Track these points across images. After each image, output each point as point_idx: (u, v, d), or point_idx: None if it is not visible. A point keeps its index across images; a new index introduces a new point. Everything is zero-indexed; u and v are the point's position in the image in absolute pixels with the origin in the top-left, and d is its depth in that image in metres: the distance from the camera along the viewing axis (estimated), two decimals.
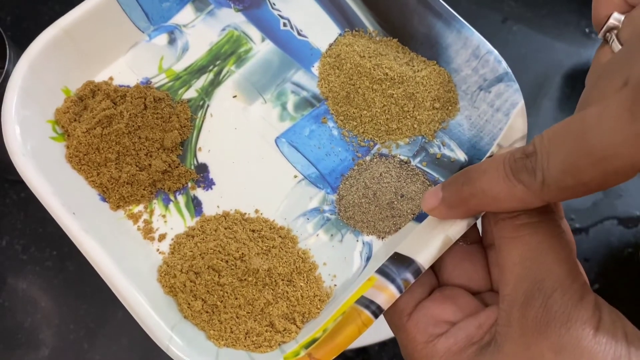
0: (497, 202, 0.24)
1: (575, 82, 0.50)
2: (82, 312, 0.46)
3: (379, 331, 0.43)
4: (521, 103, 0.31)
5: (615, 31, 0.26)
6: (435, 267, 0.30)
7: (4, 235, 0.47)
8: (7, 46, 0.40)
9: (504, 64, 0.31)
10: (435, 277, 0.30)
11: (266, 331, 0.29)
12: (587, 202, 0.47)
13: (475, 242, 0.31)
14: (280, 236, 0.31)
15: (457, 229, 0.28)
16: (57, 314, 0.45)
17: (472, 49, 0.32)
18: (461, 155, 0.33)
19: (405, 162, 0.33)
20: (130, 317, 0.40)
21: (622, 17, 0.26)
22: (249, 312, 0.29)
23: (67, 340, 0.45)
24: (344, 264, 0.31)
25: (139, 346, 0.45)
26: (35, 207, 0.48)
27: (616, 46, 0.25)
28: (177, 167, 0.32)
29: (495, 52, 0.32)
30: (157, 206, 0.32)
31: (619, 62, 0.21)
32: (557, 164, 0.20)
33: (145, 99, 0.33)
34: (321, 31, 0.35)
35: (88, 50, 0.33)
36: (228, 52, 0.35)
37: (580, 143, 0.20)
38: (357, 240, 0.31)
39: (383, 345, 0.45)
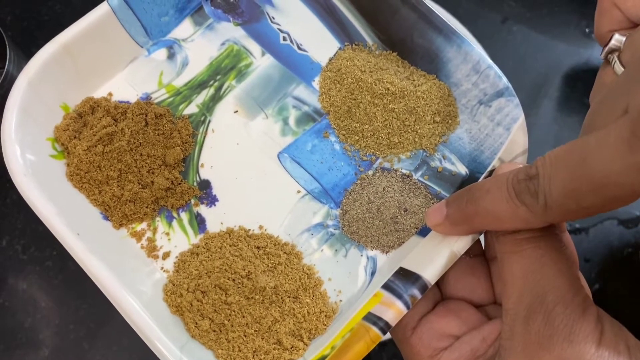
0: (500, 221, 0.24)
1: (575, 82, 0.51)
2: (82, 312, 0.45)
3: None
4: (522, 118, 0.31)
5: (617, 53, 0.26)
6: (438, 281, 0.30)
7: (4, 235, 0.47)
8: (7, 46, 0.39)
9: (504, 79, 0.32)
10: (438, 291, 0.30)
11: (274, 349, 0.29)
12: None
13: (478, 255, 0.31)
14: (285, 252, 0.31)
15: (462, 244, 0.28)
16: (57, 314, 0.45)
17: (472, 63, 0.32)
18: (462, 169, 0.33)
19: (408, 176, 0.33)
20: None
21: (623, 39, 0.26)
22: (256, 330, 0.29)
23: (67, 340, 0.45)
24: (349, 279, 0.31)
25: (139, 346, 0.45)
26: None
27: (618, 68, 0.26)
28: (179, 183, 0.32)
29: (496, 67, 0.32)
30: (161, 224, 0.32)
31: (620, 89, 0.22)
32: (559, 189, 0.21)
33: (146, 116, 0.32)
34: (321, 45, 0.35)
35: (87, 66, 0.33)
36: (228, 67, 0.35)
37: (581, 169, 0.20)
38: (362, 255, 0.32)
39: (383, 345, 0.46)
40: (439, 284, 0.30)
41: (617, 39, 0.26)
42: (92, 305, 0.46)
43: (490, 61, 0.32)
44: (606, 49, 0.26)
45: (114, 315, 0.45)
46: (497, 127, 0.32)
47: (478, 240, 0.31)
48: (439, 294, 0.30)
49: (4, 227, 0.47)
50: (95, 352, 0.45)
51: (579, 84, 0.50)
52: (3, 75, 0.39)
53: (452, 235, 0.28)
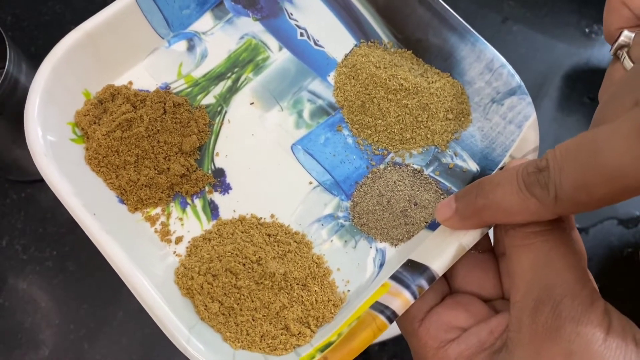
0: (510, 214, 0.24)
1: (575, 82, 0.51)
2: (82, 312, 0.46)
3: None
4: (534, 116, 0.31)
5: (627, 49, 0.26)
6: (447, 274, 0.30)
7: (4, 235, 0.47)
8: (7, 46, 0.40)
9: (517, 77, 0.32)
10: (447, 284, 0.30)
11: (281, 334, 0.29)
12: None
13: (487, 250, 0.31)
14: (295, 241, 0.31)
15: (470, 237, 0.28)
16: (57, 314, 0.46)
17: (485, 62, 0.33)
18: (473, 166, 0.33)
19: (419, 171, 0.33)
20: (130, 317, 0.40)
21: (632, 35, 0.26)
22: (264, 315, 0.29)
23: (67, 340, 0.45)
24: (358, 270, 0.31)
25: (139, 346, 0.45)
26: (35, 207, 0.48)
27: (628, 64, 0.26)
28: (194, 171, 0.33)
29: (509, 65, 0.32)
30: (175, 209, 0.33)
31: (630, 82, 0.22)
32: (570, 181, 0.21)
33: (164, 104, 0.33)
34: (337, 42, 0.36)
35: (109, 55, 0.34)
36: (246, 60, 0.36)
37: (592, 161, 0.20)
38: (371, 247, 0.32)
39: (383, 345, 0.46)
40: (447, 278, 0.31)
41: (627, 35, 0.26)
42: (92, 305, 0.46)
43: (503, 59, 0.32)
44: (615, 45, 0.27)
45: (114, 315, 0.46)
46: (509, 124, 0.32)
47: (487, 236, 0.31)
48: (447, 288, 0.30)
49: (4, 227, 0.47)
50: (95, 352, 0.45)
51: (579, 84, 0.50)
52: (3, 75, 0.39)
53: (461, 229, 0.28)
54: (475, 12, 0.52)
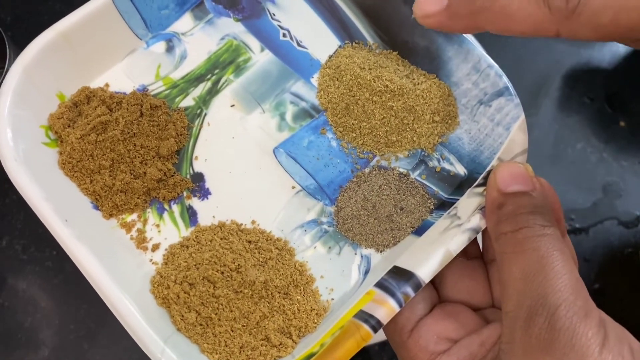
0: (510, 21, 0.24)
1: (575, 82, 0.51)
2: (82, 312, 0.45)
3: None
4: (522, 117, 0.30)
5: None
6: (436, 283, 0.30)
7: (4, 235, 0.47)
8: (7, 46, 0.39)
9: (504, 78, 0.31)
10: (436, 293, 0.29)
11: (261, 345, 0.28)
12: (587, 202, 0.48)
13: (476, 257, 0.30)
14: (277, 248, 0.30)
15: (457, 242, 0.27)
16: (57, 314, 0.45)
17: (472, 62, 0.32)
18: (460, 170, 0.32)
19: (405, 175, 0.32)
20: None
21: None
22: (244, 326, 0.28)
23: (67, 340, 0.45)
24: (342, 277, 0.30)
25: (139, 346, 0.45)
26: None
27: None
28: (172, 175, 0.32)
29: (496, 66, 0.31)
30: (151, 215, 0.31)
31: None
32: None
33: (141, 106, 0.32)
34: (321, 43, 0.35)
35: (84, 56, 0.33)
36: (227, 61, 0.35)
37: None
38: (356, 254, 0.31)
39: (383, 345, 0.45)
40: (436, 286, 0.30)
41: None
42: (92, 305, 0.45)
43: (490, 60, 0.31)
44: None
45: (114, 315, 0.45)
46: (497, 126, 0.31)
47: (476, 242, 0.30)
48: (436, 297, 0.29)
49: (4, 227, 0.47)
50: (95, 352, 0.45)
51: (579, 84, 0.50)
52: (3, 75, 0.39)
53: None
54: None
